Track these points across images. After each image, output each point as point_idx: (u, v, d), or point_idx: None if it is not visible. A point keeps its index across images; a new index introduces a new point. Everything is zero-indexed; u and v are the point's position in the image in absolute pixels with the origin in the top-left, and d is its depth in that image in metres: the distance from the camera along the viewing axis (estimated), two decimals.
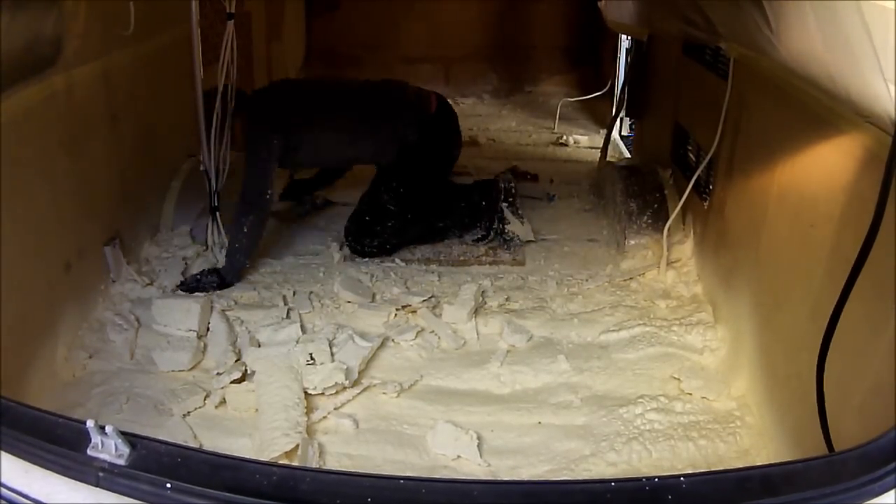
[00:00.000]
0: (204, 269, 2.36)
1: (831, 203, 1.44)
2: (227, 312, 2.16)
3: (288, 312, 2.19)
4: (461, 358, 2.05)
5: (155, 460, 0.81)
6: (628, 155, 3.76)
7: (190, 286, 2.28)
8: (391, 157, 2.57)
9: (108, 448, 0.82)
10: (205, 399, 1.82)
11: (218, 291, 2.28)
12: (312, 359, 1.86)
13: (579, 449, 1.70)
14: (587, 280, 2.45)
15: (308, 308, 2.22)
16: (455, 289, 2.33)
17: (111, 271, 2.21)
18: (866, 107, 1.20)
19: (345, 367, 1.84)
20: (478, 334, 2.14)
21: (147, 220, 2.52)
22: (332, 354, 1.90)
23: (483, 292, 2.32)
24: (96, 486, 0.80)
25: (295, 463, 1.56)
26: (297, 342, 1.95)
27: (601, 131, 4.09)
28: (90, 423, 0.82)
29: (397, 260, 2.60)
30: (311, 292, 2.31)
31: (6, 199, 1.63)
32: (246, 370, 1.89)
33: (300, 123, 2.47)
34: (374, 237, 2.58)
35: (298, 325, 2.07)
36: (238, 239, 2.34)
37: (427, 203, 2.68)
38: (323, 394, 1.81)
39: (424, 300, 2.23)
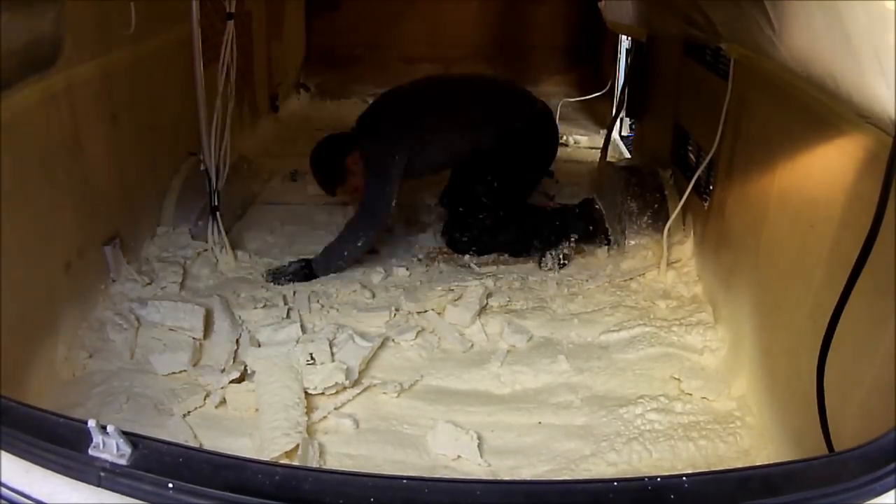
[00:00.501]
0: (293, 261, 2.44)
1: (831, 204, 1.44)
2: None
3: (288, 312, 2.18)
4: (461, 358, 2.05)
5: (157, 460, 0.81)
6: (628, 155, 3.76)
7: (277, 276, 2.37)
8: (494, 145, 2.54)
9: (109, 448, 0.82)
10: (205, 399, 1.82)
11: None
12: (313, 359, 1.86)
13: (579, 449, 1.70)
14: (587, 280, 2.45)
15: (308, 308, 2.22)
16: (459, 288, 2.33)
17: (111, 271, 2.20)
18: (867, 107, 1.20)
19: (345, 366, 1.83)
20: (486, 336, 2.13)
21: (147, 220, 2.52)
22: (333, 354, 1.90)
23: (489, 295, 2.30)
24: (98, 486, 0.80)
25: (295, 462, 1.57)
26: (298, 342, 1.95)
27: (601, 131, 4.09)
28: (92, 423, 0.82)
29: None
30: (311, 292, 2.31)
31: (6, 199, 1.63)
32: (246, 370, 1.89)
33: (419, 130, 2.46)
34: (466, 230, 2.60)
35: (298, 324, 2.07)
36: (346, 247, 2.40)
37: (519, 204, 2.67)
38: (323, 394, 1.81)
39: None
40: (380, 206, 2.39)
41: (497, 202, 2.58)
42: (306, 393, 1.78)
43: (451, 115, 2.54)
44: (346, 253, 2.41)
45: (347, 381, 1.82)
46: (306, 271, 2.39)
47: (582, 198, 2.86)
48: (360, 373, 1.90)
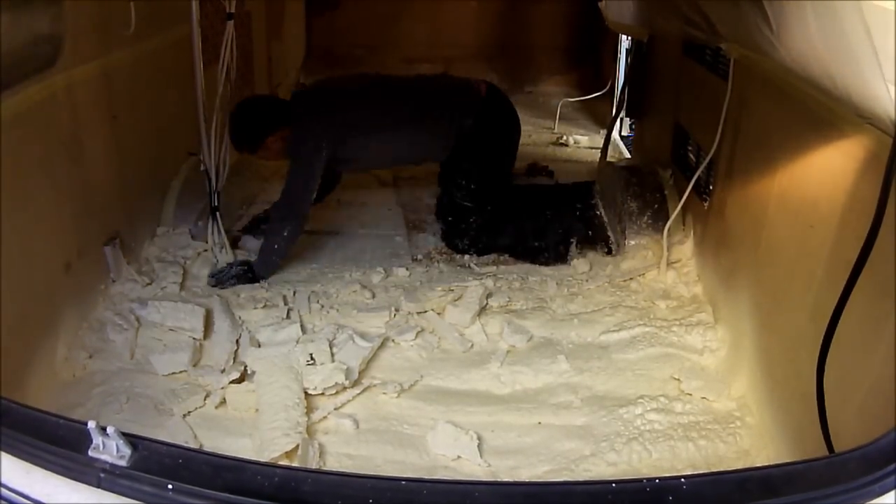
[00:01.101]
0: (234, 262, 2.40)
1: (831, 204, 1.44)
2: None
3: (288, 312, 2.18)
4: (461, 358, 2.05)
5: (156, 461, 0.82)
6: (628, 155, 3.76)
7: (220, 279, 2.32)
8: (449, 150, 2.55)
9: (109, 449, 0.82)
10: (205, 399, 1.82)
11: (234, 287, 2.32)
12: (312, 359, 1.86)
13: (579, 449, 1.70)
14: (587, 280, 2.45)
15: (308, 308, 2.22)
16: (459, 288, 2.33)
17: (111, 271, 2.20)
18: (866, 108, 1.20)
19: (345, 367, 1.83)
20: (486, 336, 2.13)
21: (147, 220, 2.52)
22: (333, 354, 1.90)
23: (489, 295, 2.30)
24: (97, 487, 0.80)
25: (295, 463, 1.57)
26: (298, 342, 1.95)
27: (601, 131, 4.09)
28: (91, 425, 0.82)
29: None
30: (311, 292, 2.31)
31: (6, 199, 1.63)
32: (245, 370, 1.89)
33: (352, 128, 2.42)
34: (464, 235, 2.62)
35: (298, 325, 2.07)
36: (275, 241, 2.37)
37: (505, 194, 2.67)
38: (323, 394, 1.81)
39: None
40: (300, 198, 2.37)
41: (479, 200, 2.61)
42: (306, 393, 1.78)
43: (387, 118, 2.50)
44: (275, 247, 2.36)
45: (347, 382, 1.82)
46: (249, 275, 2.35)
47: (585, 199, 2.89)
48: (360, 373, 1.90)
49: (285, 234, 2.37)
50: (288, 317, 2.16)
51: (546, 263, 2.57)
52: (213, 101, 2.38)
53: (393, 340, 2.08)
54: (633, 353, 2.03)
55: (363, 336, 2.01)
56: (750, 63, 1.89)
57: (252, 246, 2.64)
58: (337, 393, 1.83)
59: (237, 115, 2.41)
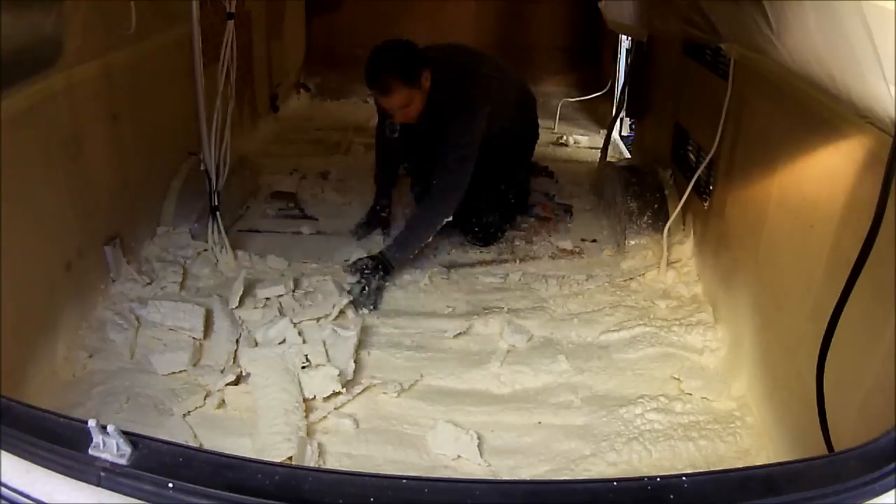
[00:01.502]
0: (365, 260, 2.27)
1: (831, 203, 1.44)
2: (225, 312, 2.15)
3: (281, 312, 2.18)
4: (461, 358, 2.05)
5: (157, 460, 0.81)
6: (628, 155, 3.76)
7: (372, 302, 2.20)
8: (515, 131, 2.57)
9: (109, 448, 0.82)
10: (205, 399, 1.82)
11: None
12: (308, 360, 1.85)
13: (579, 449, 1.70)
14: (587, 280, 2.45)
15: (301, 309, 2.21)
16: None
17: (111, 271, 2.20)
18: (867, 107, 1.20)
19: (337, 372, 1.80)
20: (486, 336, 2.12)
21: (147, 220, 2.52)
22: (327, 353, 1.89)
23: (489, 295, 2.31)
24: (98, 485, 0.80)
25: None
26: (292, 344, 1.93)
27: (601, 131, 4.09)
28: (92, 423, 0.82)
29: None
30: (309, 292, 2.31)
31: (6, 199, 1.63)
32: (241, 372, 1.88)
33: (497, 101, 2.30)
34: (498, 229, 2.68)
35: (292, 325, 2.05)
36: (428, 232, 2.25)
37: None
38: None
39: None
40: (462, 188, 2.20)
41: (520, 190, 2.77)
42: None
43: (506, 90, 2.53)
44: (427, 236, 2.24)
45: (343, 389, 1.80)
46: (384, 273, 2.24)
47: (581, 197, 2.94)
48: (357, 371, 1.89)
49: (438, 227, 2.20)
50: (282, 316, 2.15)
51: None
52: (213, 101, 2.37)
53: (393, 340, 2.08)
54: (633, 352, 2.03)
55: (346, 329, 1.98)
56: (750, 63, 1.89)
57: (253, 247, 2.64)
58: (337, 393, 1.82)
59: (393, 45, 2.16)
